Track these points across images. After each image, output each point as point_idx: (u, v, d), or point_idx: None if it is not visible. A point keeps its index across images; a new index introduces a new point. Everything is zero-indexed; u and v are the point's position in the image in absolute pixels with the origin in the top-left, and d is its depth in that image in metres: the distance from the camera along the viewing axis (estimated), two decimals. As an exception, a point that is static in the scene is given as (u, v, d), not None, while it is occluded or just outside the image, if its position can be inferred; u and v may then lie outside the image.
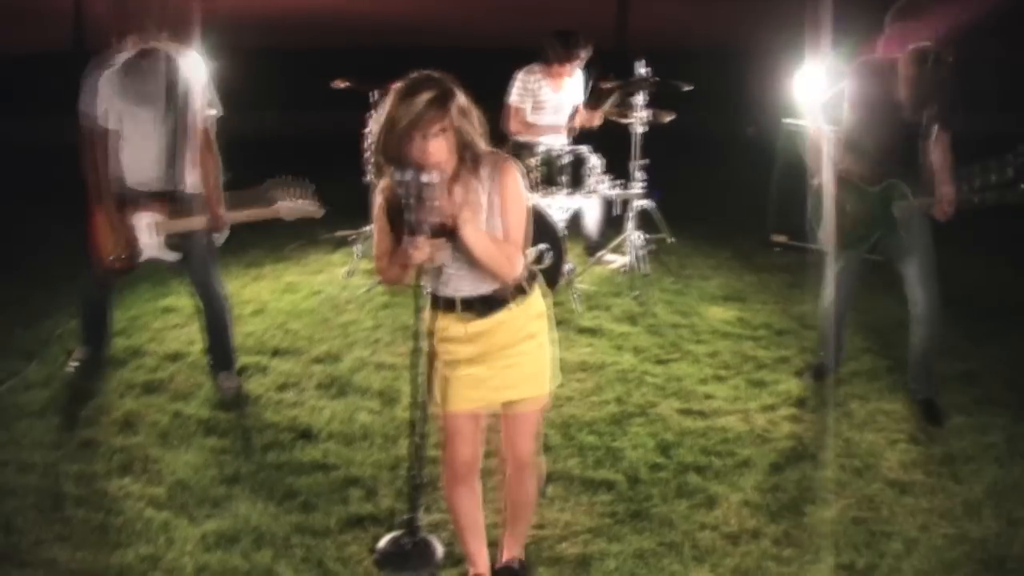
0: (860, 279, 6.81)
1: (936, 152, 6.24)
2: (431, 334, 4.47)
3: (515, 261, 4.33)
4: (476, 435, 4.65)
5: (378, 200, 4.37)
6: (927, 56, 6.03)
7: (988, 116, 12.93)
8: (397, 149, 4.12)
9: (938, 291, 6.39)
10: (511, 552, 4.94)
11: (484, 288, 4.40)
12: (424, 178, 3.98)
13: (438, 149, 4.13)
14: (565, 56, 8.71)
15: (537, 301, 4.55)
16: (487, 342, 4.45)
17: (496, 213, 4.30)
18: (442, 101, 4.10)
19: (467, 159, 4.24)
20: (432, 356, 4.46)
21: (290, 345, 7.42)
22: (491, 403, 4.57)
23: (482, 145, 4.26)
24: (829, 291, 6.80)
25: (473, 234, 4.17)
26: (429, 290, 4.42)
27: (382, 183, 4.33)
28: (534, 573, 5.00)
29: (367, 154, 8.80)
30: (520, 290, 4.45)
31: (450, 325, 4.45)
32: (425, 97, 4.08)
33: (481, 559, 4.89)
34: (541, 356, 4.56)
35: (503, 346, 4.46)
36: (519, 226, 4.35)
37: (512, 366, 4.48)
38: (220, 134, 9.61)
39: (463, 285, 4.40)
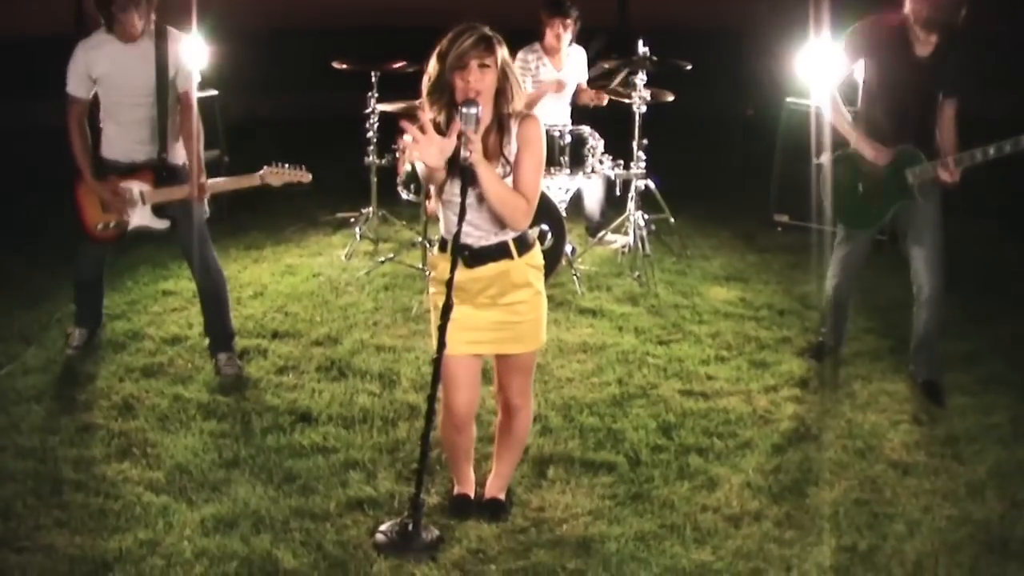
0: (866, 261, 6.78)
1: (943, 118, 6.28)
2: (437, 279, 4.81)
3: (524, 210, 4.69)
4: (474, 381, 4.97)
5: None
6: (944, 23, 6.02)
7: (1002, 95, 12.89)
8: (449, 80, 4.56)
9: (944, 274, 6.37)
10: (492, 493, 5.31)
11: (492, 239, 4.75)
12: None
13: (485, 80, 4.54)
14: (550, 14, 8.68)
15: (537, 255, 4.94)
16: (489, 289, 4.80)
17: (516, 165, 4.70)
18: (490, 42, 4.56)
19: (503, 109, 4.67)
20: (448, 304, 4.66)
21: (290, 328, 7.38)
22: (487, 350, 4.94)
23: (518, 100, 4.70)
24: (834, 271, 6.78)
25: (486, 172, 4.54)
26: (440, 235, 4.84)
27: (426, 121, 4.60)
28: (511, 506, 5.26)
29: (370, 135, 8.86)
30: (524, 243, 4.84)
31: (456, 270, 4.69)
32: (477, 34, 4.54)
33: (468, 481, 5.31)
34: (538, 308, 4.92)
35: (503, 293, 4.82)
36: (532, 175, 4.71)
37: (511, 318, 4.85)
38: (220, 116, 9.63)
39: (473, 232, 4.73)
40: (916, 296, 6.50)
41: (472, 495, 5.28)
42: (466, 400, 4.97)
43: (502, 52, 4.60)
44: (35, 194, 9.19)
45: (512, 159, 4.69)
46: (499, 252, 4.77)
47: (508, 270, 4.79)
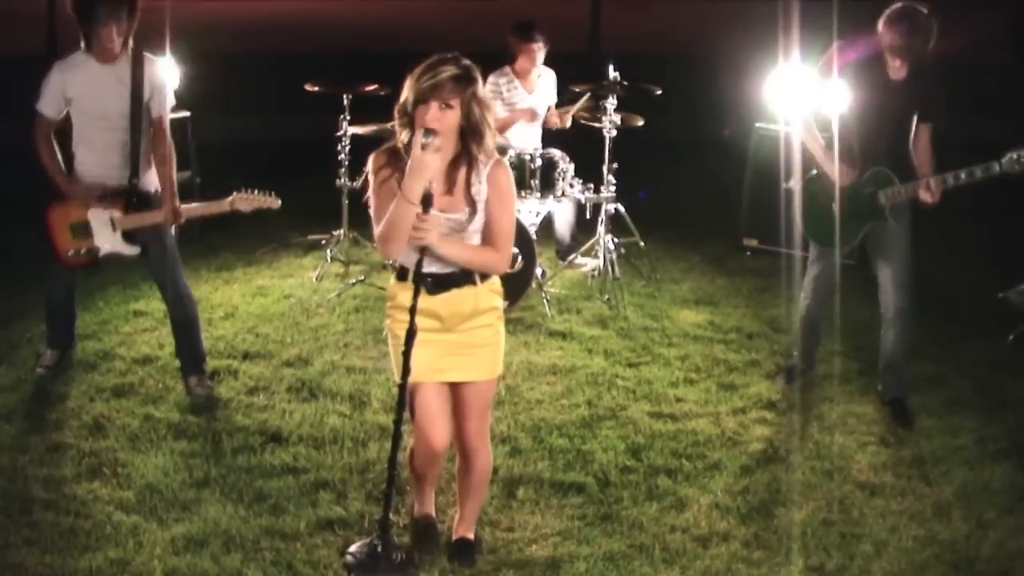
0: (836, 284, 6.83)
1: (919, 143, 6.37)
2: (398, 306, 4.71)
3: (497, 260, 4.71)
4: (446, 410, 4.87)
5: (383, 171, 4.63)
6: (910, 15, 6.09)
7: (987, 121, 13.02)
8: (411, 110, 4.48)
9: (911, 295, 6.44)
10: (460, 533, 5.16)
11: (455, 266, 4.67)
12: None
13: (444, 121, 4.45)
14: (520, 40, 8.70)
15: (496, 279, 4.86)
16: (455, 315, 4.73)
17: (485, 209, 4.63)
18: (462, 80, 4.46)
19: (471, 147, 4.58)
20: (412, 330, 4.56)
21: (260, 349, 7.38)
22: (451, 377, 4.82)
23: (490, 140, 4.60)
24: (806, 293, 6.83)
25: (448, 248, 4.56)
26: (398, 263, 4.74)
27: (382, 157, 4.66)
28: (481, 550, 5.14)
29: (341, 157, 8.88)
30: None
31: (419, 297, 4.60)
32: (449, 72, 4.44)
33: (430, 503, 5.24)
34: (499, 334, 4.87)
35: (469, 318, 4.76)
36: (508, 224, 4.71)
37: (473, 342, 4.79)
38: (193, 137, 9.62)
39: (436, 261, 4.63)
40: (883, 316, 6.58)
41: (434, 514, 5.24)
42: (442, 431, 4.84)
43: (474, 88, 4.50)
44: (5, 212, 9.15)
45: (479, 201, 4.63)
46: (462, 278, 4.70)
47: (473, 295, 4.73)
